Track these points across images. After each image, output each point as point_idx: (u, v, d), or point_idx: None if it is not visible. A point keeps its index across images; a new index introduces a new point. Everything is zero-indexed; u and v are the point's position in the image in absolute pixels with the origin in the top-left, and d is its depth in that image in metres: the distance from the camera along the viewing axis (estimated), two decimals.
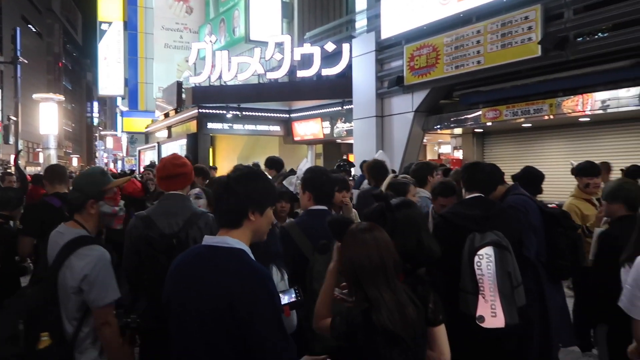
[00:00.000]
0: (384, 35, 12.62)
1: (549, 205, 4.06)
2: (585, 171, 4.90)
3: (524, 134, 11.71)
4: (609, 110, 8.95)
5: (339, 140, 16.72)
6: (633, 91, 8.55)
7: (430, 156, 16.51)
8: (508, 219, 3.09)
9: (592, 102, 9.09)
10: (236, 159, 19.14)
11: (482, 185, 3.18)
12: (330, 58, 14.47)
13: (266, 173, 5.66)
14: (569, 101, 9.37)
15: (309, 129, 17.03)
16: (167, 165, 3.26)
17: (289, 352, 1.87)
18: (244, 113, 16.71)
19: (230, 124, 17.10)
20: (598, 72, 8.97)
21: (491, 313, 2.76)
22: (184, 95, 18.57)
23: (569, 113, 9.43)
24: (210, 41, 16.98)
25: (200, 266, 1.94)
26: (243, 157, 19.34)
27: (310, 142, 17.93)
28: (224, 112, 16.51)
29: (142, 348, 2.93)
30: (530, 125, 11.09)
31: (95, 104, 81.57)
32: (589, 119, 10.00)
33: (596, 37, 8.79)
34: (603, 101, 8.97)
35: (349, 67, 13.84)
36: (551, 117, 9.68)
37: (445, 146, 15.96)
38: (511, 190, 3.55)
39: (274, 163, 6.76)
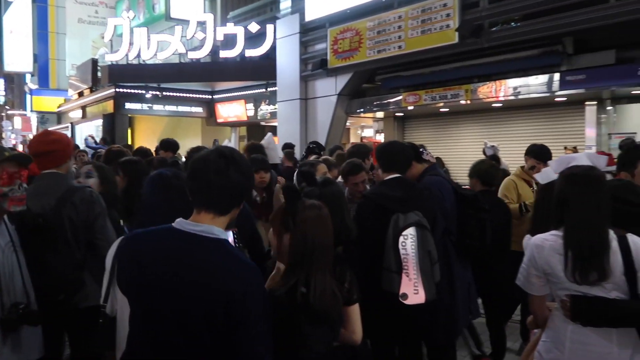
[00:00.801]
0: (308, 17, 12.57)
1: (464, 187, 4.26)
2: (536, 154, 4.89)
3: (442, 118, 12.12)
4: (520, 97, 9.44)
5: (263, 123, 16.58)
6: (541, 78, 9.05)
7: (353, 139, 16.74)
8: (426, 200, 3.18)
9: (504, 89, 9.54)
10: (156, 140, 18.49)
11: (399, 166, 3.24)
12: (254, 39, 14.25)
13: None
14: (483, 87, 9.79)
15: (232, 110, 16.75)
16: (34, 143, 3.08)
17: (269, 354, 1.71)
18: (164, 93, 16.16)
19: (149, 105, 16.49)
20: (510, 59, 9.41)
21: (414, 290, 2.86)
22: (99, 74, 17.67)
23: (484, 98, 9.85)
24: (128, 17, 16.23)
25: (186, 260, 1.66)
26: (163, 138, 18.75)
27: (233, 124, 17.67)
28: (143, 92, 15.89)
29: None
30: (447, 110, 11.49)
31: (1, 81, 75.97)
32: (501, 105, 10.49)
33: (509, 26, 9.20)
34: (515, 88, 9.44)
35: (273, 48, 13.69)
36: (467, 102, 10.07)
37: (368, 130, 16.23)
38: (428, 171, 3.64)
39: (169, 145, 6.67)
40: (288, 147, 7.85)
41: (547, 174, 2.76)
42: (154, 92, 15.95)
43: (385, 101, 11.57)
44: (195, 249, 1.67)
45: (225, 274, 1.64)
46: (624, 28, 8.27)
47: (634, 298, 2.12)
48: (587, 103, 9.46)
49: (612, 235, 2.17)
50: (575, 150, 8.71)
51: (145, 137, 19.55)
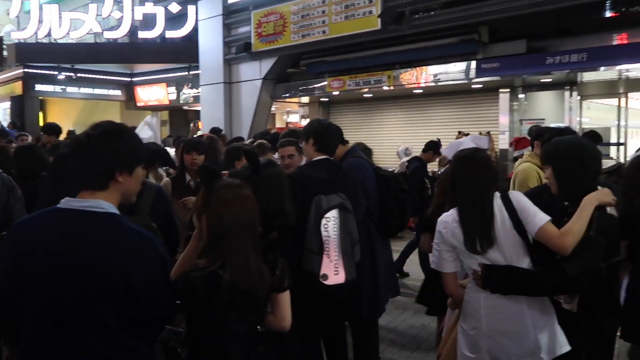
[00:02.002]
0: None
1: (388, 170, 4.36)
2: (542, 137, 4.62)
3: (366, 103, 12.31)
4: (439, 83, 9.75)
5: (185, 107, 16.16)
6: (459, 66, 9.39)
7: (279, 124, 16.68)
8: (349, 181, 3.22)
9: (425, 75, 9.82)
10: (71, 125, 17.57)
11: (331, 149, 3.25)
12: (175, 20, 13.78)
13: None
14: (405, 74, 10.02)
15: (153, 94, 16.19)
16: None
17: (169, 319, 1.90)
18: (78, 75, 15.35)
19: (63, 87, 15.62)
20: (430, 47, 9.68)
21: (334, 271, 2.90)
22: (5, 53, 16.47)
23: (405, 85, 10.09)
24: None
25: (79, 236, 1.66)
26: (80, 123, 17.79)
27: (154, 108, 17.08)
28: (55, 72, 15.01)
29: None
30: (371, 95, 11.67)
31: None
32: (422, 91, 10.79)
33: (429, 14, 9.45)
34: (434, 74, 9.74)
35: (195, 30, 13.32)
36: (391, 87, 10.28)
37: (294, 115, 16.22)
38: (350, 153, 3.70)
39: (52, 129, 6.55)
40: (216, 132, 7.76)
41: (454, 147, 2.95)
42: (67, 74, 15.11)
43: (311, 86, 11.58)
44: (85, 224, 1.68)
45: (119, 245, 1.67)
46: (534, 19, 8.74)
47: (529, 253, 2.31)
48: (501, 90, 9.92)
49: (497, 196, 2.37)
50: (488, 134, 9.14)
51: (59, 121, 18.39)
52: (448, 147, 2.64)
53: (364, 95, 11.67)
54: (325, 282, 2.90)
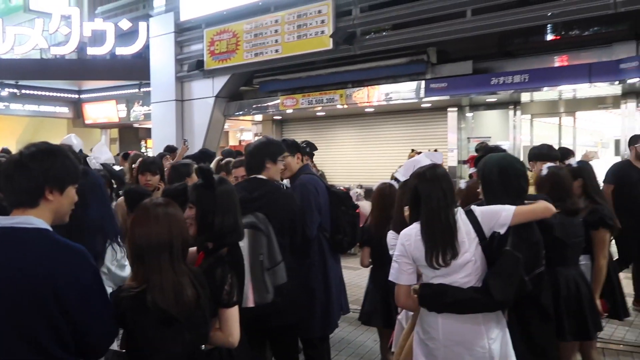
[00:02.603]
0: (184, 17, 12.26)
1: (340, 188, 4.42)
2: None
3: (318, 121, 12.43)
4: (391, 102, 9.97)
5: (136, 125, 15.86)
6: (409, 85, 9.64)
7: (232, 142, 16.59)
8: (280, 200, 3.16)
9: (376, 94, 10.03)
10: (15, 143, 16.94)
11: (256, 168, 3.22)
12: (125, 36, 13.58)
13: None
14: (357, 92, 10.20)
15: (102, 111, 15.83)
16: None
17: (111, 335, 1.88)
18: (23, 91, 14.84)
19: (6, 103, 15.06)
20: (381, 67, 9.92)
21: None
22: None
23: (358, 103, 10.27)
24: None
25: (4, 252, 1.67)
26: (24, 141, 17.11)
27: (103, 126, 16.70)
28: None
29: None
30: (324, 113, 11.80)
31: None
32: (373, 110, 10.99)
33: (380, 35, 9.70)
34: (387, 94, 9.96)
35: (147, 47, 13.17)
36: (344, 106, 10.42)
37: (247, 133, 16.19)
38: (304, 169, 3.73)
39: None
40: (170, 150, 7.72)
41: (407, 171, 3.00)
42: (11, 90, 14.59)
43: (264, 104, 11.61)
44: (13, 240, 1.68)
45: (48, 258, 1.68)
46: (479, 41, 9.10)
47: (491, 266, 2.37)
48: (449, 109, 10.23)
49: (460, 212, 2.44)
50: (436, 150, 9.37)
51: (1, 139, 17.79)
52: (403, 167, 2.68)
53: (317, 114, 11.79)
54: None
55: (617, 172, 5.46)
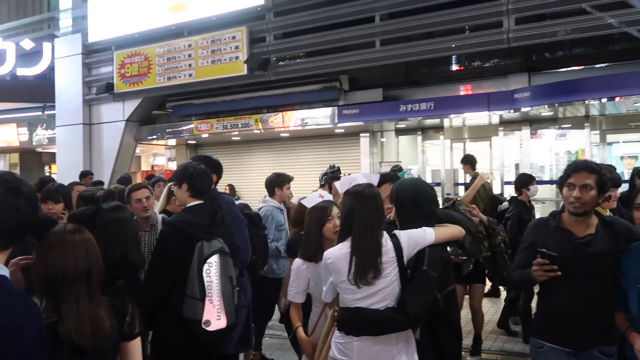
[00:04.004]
0: (92, 38, 11.88)
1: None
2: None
3: (234, 146, 12.37)
4: (306, 127, 10.14)
5: (39, 149, 15.02)
6: (323, 111, 9.87)
7: (144, 167, 16.11)
8: (226, 226, 3.22)
9: (292, 119, 10.16)
10: None
11: (205, 193, 3.22)
12: (28, 57, 12.89)
13: None
14: (272, 117, 10.30)
15: (1, 135, 14.86)
16: None
17: None
18: None
19: None
20: (296, 93, 10.10)
21: (217, 316, 2.88)
22: None
23: (274, 128, 10.35)
24: None
25: None
26: None
27: (3, 151, 15.66)
28: None
29: None
30: (239, 138, 11.78)
31: None
32: (288, 135, 11.12)
33: (294, 61, 9.90)
34: (300, 119, 10.12)
35: (52, 68, 12.58)
36: (260, 131, 10.47)
37: (160, 157, 15.79)
38: (216, 194, 3.72)
39: None
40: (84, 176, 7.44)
41: (313, 199, 3.08)
42: None
43: (178, 128, 11.42)
44: None
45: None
46: (389, 70, 9.53)
47: (405, 287, 2.47)
48: (361, 135, 10.55)
49: (386, 235, 2.51)
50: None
51: None
52: (340, 182, 2.73)
53: (233, 138, 11.74)
54: (208, 328, 2.86)
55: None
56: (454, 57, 9.61)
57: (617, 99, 7.26)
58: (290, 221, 4.26)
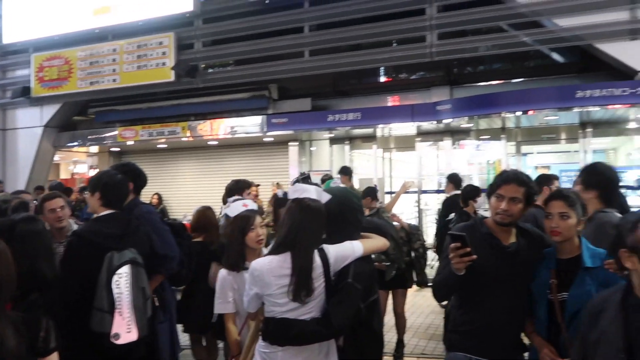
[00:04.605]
0: (7, 39, 11.29)
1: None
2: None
3: (160, 153, 12.07)
4: (234, 136, 10.06)
5: None
6: (252, 120, 9.84)
7: (64, 175, 15.38)
8: (141, 236, 3.12)
9: (221, 127, 10.07)
10: None
11: (120, 202, 3.11)
12: None
13: None
14: (200, 125, 10.15)
15: None
16: None
17: None
18: None
19: None
20: (224, 100, 10.01)
21: (127, 329, 2.77)
22: None
23: (203, 136, 10.20)
24: None
25: None
26: None
27: None
28: None
29: None
30: (166, 146, 11.51)
31: None
32: (217, 142, 10.99)
33: (223, 69, 9.82)
34: (229, 127, 10.04)
35: None
36: (188, 139, 10.28)
37: (82, 165, 15.13)
38: (135, 201, 3.60)
39: None
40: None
41: (236, 208, 3.05)
42: None
43: (100, 135, 11.01)
44: None
45: None
46: (317, 80, 9.66)
47: (332, 296, 2.47)
48: (290, 143, 10.59)
49: (315, 251, 2.50)
50: (278, 185, 9.61)
51: None
52: (291, 189, 2.68)
53: (159, 146, 11.46)
54: (117, 342, 2.75)
55: None
56: (381, 69, 9.87)
57: (530, 112, 7.70)
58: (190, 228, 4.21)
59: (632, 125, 8.67)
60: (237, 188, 5.04)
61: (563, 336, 2.30)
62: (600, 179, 2.86)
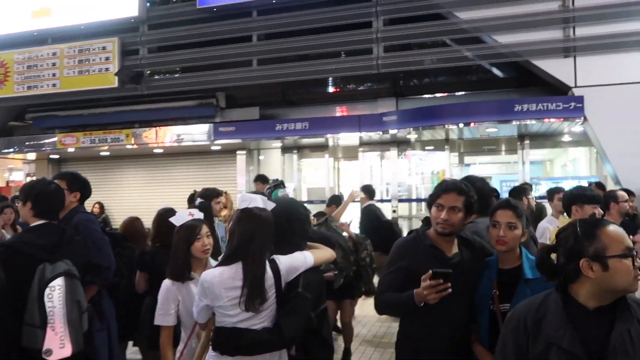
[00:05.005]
0: None
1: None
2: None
3: (103, 161, 11.72)
4: (180, 144, 9.90)
5: None
6: (199, 128, 9.72)
7: None
8: (77, 246, 3.02)
9: (167, 135, 9.88)
10: None
11: (55, 212, 3.00)
12: None
13: None
14: (145, 133, 9.93)
15: None
16: None
17: None
18: None
19: None
20: (171, 108, 9.85)
21: (60, 345, 2.66)
22: None
23: (148, 144, 9.98)
24: None
25: None
26: None
27: None
28: None
29: None
30: (109, 153, 11.19)
31: None
32: (162, 151, 10.78)
33: (169, 76, 9.67)
34: (175, 135, 9.87)
35: None
36: (133, 146, 10.03)
37: (18, 172, 14.49)
38: (77, 210, 3.50)
39: None
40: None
41: (182, 217, 3.01)
42: None
43: (39, 142, 10.58)
44: None
45: None
46: (265, 89, 9.66)
47: (282, 306, 2.47)
48: (238, 152, 10.52)
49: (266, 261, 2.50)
50: (226, 194, 9.51)
51: None
52: (241, 198, 2.64)
53: (101, 153, 11.13)
54: (49, 358, 2.65)
55: None
56: (329, 79, 9.98)
57: (472, 124, 7.97)
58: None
59: (566, 138, 9.12)
60: (206, 196, 5.01)
61: None
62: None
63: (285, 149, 10.63)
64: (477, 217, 2.85)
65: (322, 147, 10.35)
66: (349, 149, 10.49)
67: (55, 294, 2.69)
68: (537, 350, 1.75)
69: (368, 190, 7.05)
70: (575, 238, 1.74)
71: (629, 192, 6.03)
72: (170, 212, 3.39)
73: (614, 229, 1.72)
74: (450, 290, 2.25)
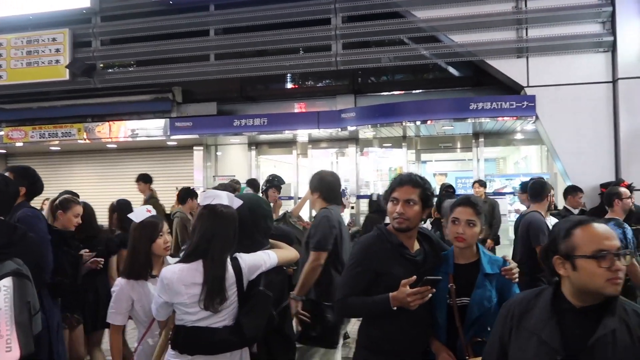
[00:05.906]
0: None
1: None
2: None
3: (53, 156, 11.32)
4: (137, 139, 9.66)
5: None
6: (154, 123, 9.51)
7: None
8: (29, 244, 2.89)
9: (121, 130, 9.62)
10: None
11: (6, 209, 2.87)
12: None
13: None
14: (98, 127, 9.64)
15: None
16: None
17: None
18: None
19: None
20: (125, 102, 9.59)
21: (6, 348, 2.54)
22: None
23: (101, 139, 9.70)
24: None
25: None
26: None
27: None
28: None
29: None
30: (59, 148, 10.83)
31: None
32: (116, 146, 10.50)
33: (123, 69, 9.41)
34: (129, 130, 9.62)
35: None
36: (84, 141, 9.72)
37: None
38: (22, 206, 3.36)
39: None
40: None
41: (141, 213, 2.94)
42: None
43: None
44: None
45: None
46: (223, 84, 9.53)
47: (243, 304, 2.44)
48: (195, 148, 10.35)
49: (228, 260, 2.45)
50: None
51: None
52: (204, 195, 2.57)
53: (51, 148, 10.75)
54: None
55: None
56: (288, 75, 9.93)
57: (429, 122, 8.09)
58: None
59: (519, 136, 9.38)
60: (191, 192, 4.92)
61: (460, 340, 2.33)
62: (322, 184, 3.54)
63: (249, 145, 10.53)
64: (328, 205, 3.45)
65: (283, 144, 10.30)
66: (306, 146, 10.48)
67: (1, 294, 2.57)
68: (518, 341, 1.76)
69: (253, 185, 7.09)
70: (556, 235, 1.75)
71: (578, 189, 6.26)
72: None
73: (593, 229, 1.67)
74: (433, 291, 2.21)
